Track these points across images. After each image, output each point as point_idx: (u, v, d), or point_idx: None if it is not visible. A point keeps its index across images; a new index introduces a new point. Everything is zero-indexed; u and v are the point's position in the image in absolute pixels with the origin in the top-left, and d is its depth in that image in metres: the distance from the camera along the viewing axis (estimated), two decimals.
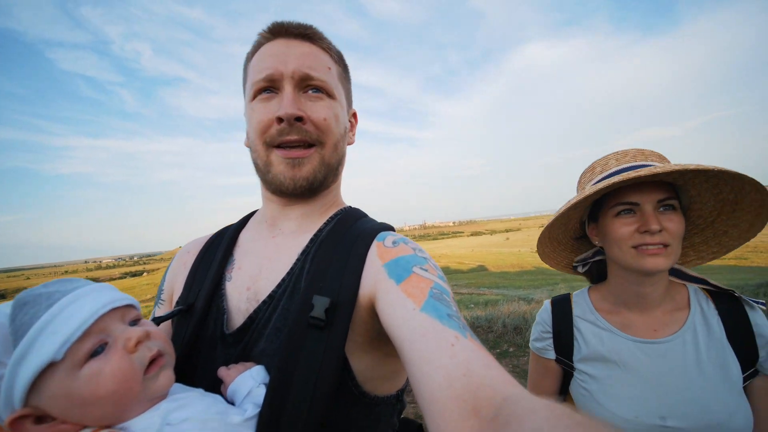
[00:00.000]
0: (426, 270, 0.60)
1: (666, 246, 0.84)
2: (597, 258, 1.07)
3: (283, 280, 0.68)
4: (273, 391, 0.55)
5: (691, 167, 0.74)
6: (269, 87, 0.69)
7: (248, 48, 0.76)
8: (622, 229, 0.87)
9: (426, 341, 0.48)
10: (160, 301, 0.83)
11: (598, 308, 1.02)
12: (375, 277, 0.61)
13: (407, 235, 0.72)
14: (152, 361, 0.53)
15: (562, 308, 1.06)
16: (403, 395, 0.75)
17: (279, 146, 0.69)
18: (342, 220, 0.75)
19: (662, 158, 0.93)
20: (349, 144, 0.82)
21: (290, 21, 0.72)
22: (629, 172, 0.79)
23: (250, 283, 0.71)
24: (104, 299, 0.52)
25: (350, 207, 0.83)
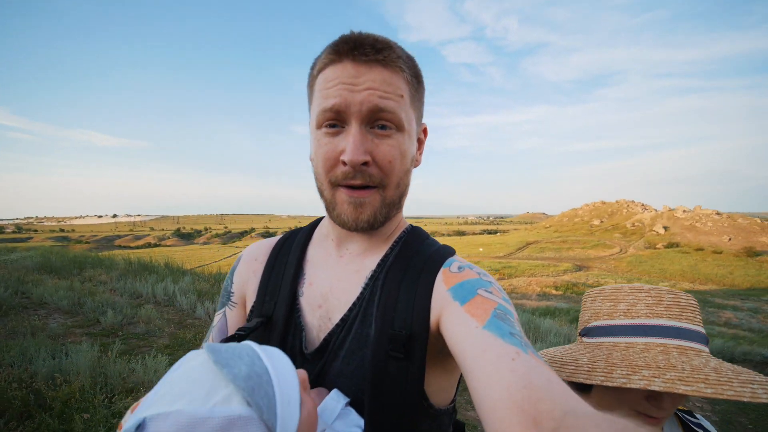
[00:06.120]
0: (490, 292, 0.63)
1: None
2: None
3: (354, 304, 0.71)
4: (370, 414, 0.62)
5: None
6: (335, 120, 0.66)
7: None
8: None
9: (487, 356, 0.50)
10: (231, 303, 0.84)
11: None
12: (441, 302, 0.65)
13: None
14: None
15: None
16: (455, 404, 0.78)
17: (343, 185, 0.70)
18: (406, 243, 0.77)
19: (695, 311, 0.88)
20: (415, 167, 0.79)
21: (361, 35, 0.65)
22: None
23: (321, 301, 0.74)
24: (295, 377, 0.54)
25: (412, 227, 0.83)
